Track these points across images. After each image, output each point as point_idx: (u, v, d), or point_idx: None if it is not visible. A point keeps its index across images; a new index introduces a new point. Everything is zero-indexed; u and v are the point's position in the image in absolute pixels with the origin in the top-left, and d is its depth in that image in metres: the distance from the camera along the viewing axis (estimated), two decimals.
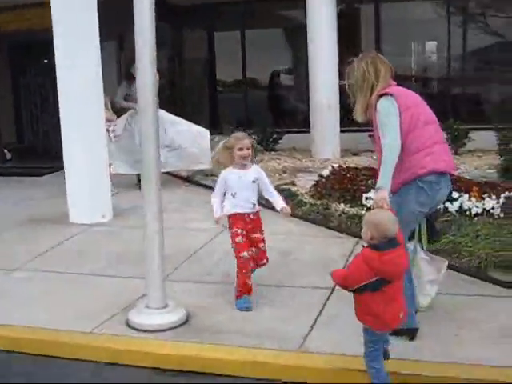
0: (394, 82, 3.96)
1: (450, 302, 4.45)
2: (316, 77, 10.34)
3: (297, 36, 12.49)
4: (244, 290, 4.47)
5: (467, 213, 5.79)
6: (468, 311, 4.31)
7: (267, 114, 12.87)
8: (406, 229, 3.74)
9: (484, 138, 9.65)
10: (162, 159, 7.80)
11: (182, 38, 13.62)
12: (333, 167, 7.89)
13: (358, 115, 3.98)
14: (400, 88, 3.95)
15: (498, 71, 12.36)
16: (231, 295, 4.63)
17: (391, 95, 3.81)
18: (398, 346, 3.69)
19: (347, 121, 10.82)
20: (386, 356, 3.44)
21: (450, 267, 5.02)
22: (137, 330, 4.20)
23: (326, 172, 7.48)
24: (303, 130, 11.28)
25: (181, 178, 9.60)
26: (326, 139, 10.39)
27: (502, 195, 5.78)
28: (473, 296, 4.57)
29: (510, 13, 11.80)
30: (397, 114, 3.75)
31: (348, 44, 10.89)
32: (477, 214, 5.77)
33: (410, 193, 3.79)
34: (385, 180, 3.66)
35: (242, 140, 4.47)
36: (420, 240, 4.17)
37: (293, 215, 6.86)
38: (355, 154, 10.69)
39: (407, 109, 3.78)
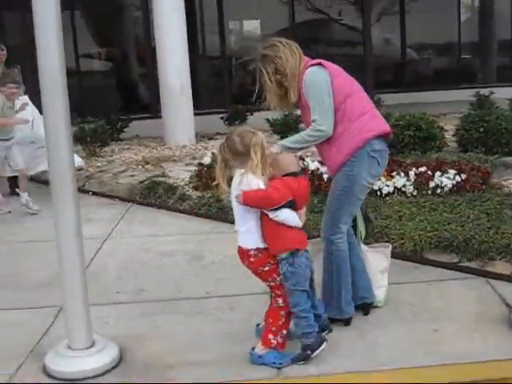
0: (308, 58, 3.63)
1: (407, 292, 4.10)
2: (165, 58, 9.52)
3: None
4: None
5: (378, 193, 5.47)
6: (432, 300, 3.98)
7: (110, 100, 11.75)
8: (354, 206, 3.63)
9: None
10: (28, 158, 6.61)
11: None
12: (214, 154, 7.22)
13: (293, 99, 3.58)
14: (320, 59, 3.62)
15: None
16: (156, 316, 3.93)
17: (319, 64, 3.51)
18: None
19: (198, 103, 10.44)
20: (327, 328, 3.42)
21: None
22: (58, 379, 3.26)
23: (207, 160, 6.79)
24: (151, 115, 10.47)
25: None
26: (179, 124, 9.66)
27: (411, 172, 5.56)
28: (426, 282, 4.25)
29: None
30: (329, 89, 3.45)
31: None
32: (388, 194, 5.49)
33: (361, 165, 3.51)
34: (287, 144, 3.48)
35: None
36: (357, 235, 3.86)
37: (181, 211, 6.22)
38: (211, 139, 10.12)
39: (339, 74, 3.55)
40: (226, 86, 12.66)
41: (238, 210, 3.24)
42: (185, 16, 9.61)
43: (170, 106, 9.62)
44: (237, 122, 10.49)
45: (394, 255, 4.62)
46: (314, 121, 3.44)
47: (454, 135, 7.28)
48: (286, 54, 3.53)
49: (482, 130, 6.89)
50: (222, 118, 10.72)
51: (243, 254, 3.28)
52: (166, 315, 3.94)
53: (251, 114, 10.27)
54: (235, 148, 3.18)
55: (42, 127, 5.66)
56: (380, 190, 5.47)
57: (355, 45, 13.74)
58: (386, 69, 14.04)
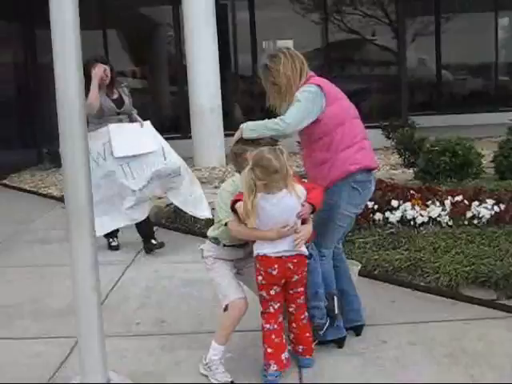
0: (313, 73, 3.66)
1: (443, 331, 3.86)
2: (196, 77, 9.45)
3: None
4: None
5: (411, 223, 5.24)
6: (469, 341, 3.71)
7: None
8: (337, 232, 3.66)
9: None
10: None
11: None
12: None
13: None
14: (323, 79, 3.63)
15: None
16: (176, 351, 3.76)
17: (317, 85, 3.50)
18: None
19: (229, 124, 10.32)
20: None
21: (418, 288, 4.49)
22: None
23: None
24: (181, 135, 10.39)
25: (52, 197, 8.31)
26: (209, 145, 9.55)
27: (446, 201, 5.32)
28: (463, 321, 3.99)
29: None
30: (316, 109, 3.46)
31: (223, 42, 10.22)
32: (422, 224, 5.25)
33: (342, 196, 3.54)
34: (252, 127, 3.42)
35: None
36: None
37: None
38: None
39: (335, 100, 3.54)
40: (257, 107, 12.54)
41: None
42: (217, 35, 9.53)
43: (199, 127, 9.53)
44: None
45: (428, 290, 4.45)
46: (285, 113, 3.42)
47: (491, 161, 7.00)
48: (286, 67, 3.53)
49: None
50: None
51: (303, 262, 3.33)
52: (187, 350, 3.77)
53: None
54: (273, 166, 3.10)
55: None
56: (414, 219, 5.24)
57: (389, 65, 13.52)
58: (420, 90, 13.81)
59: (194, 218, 6.41)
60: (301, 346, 3.48)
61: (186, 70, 9.79)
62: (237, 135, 3.45)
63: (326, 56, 12.09)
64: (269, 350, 3.33)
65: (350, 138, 3.54)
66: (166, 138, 10.51)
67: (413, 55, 13.09)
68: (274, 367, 3.32)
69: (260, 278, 3.30)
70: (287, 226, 3.21)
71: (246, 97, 12.62)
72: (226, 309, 3.41)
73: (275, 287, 3.31)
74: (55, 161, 9.62)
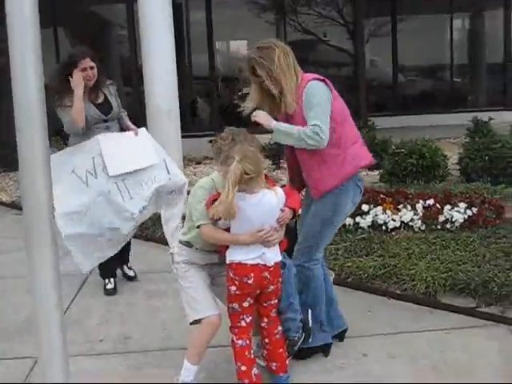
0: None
1: (423, 342, 3.71)
2: (152, 79, 9.11)
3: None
4: None
5: (383, 228, 5.09)
6: (451, 352, 3.56)
7: None
8: (332, 234, 3.56)
9: None
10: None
11: None
12: None
13: (289, 104, 3.30)
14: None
15: None
16: (143, 370, 3.50)
17: (323, 81, 3.32)
18: None
19: (186, 126, 10.04)
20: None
21: (393, 296, 4.34)
22: None
23: None
24: None
25: (1, 203, 7.88)
26: (166, 148, 9.14)
27: (418, 205, 5.18)
28: (443, 330, 3.84)
29: None
30: (329, 107, 3.28)
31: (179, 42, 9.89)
32: (394, 229, 5.10)
33: (348, 195, 3.39)
34: (283, 128, 3.31)
35: None
36: None
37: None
38: (199, 163, 9.73)
39: (337, 97, 3.37)
40: (214, 108, 12.31)
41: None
42: (173, 36, 9.23)
43: (156, 129, 9.17)
44: None
45: (405, 298, 4.30)
46: (315, 125, 3.18)
47: (457, 163, 6.93)
48: (281, 61, 3.30)
49: (487, 158, 6.56)
50: (210, 141, 10.28)
51: (279, 271, 3.16)
52: (155, 369, 3.50)
53: None
54: (260, 159, 3.00)
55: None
56: (386, 224, 5.09)
57: (346, 66, 13.50)
58: (376, 92, 13.77)
59: (155, 224, 6.13)
60: (274, 364, 3.23)
61: (141, 70, 9.45)
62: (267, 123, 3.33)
63: None
64: (242, 368, 3.09)
65: (354, 134, 3.43)
66: None
67: (368, 56, 13.04)
68: None
69: (233, 288, 3.05)
70: (263, 230, 2.99)
71: (202, 98, 12.38)
72: (193, 323, 3.17)
73: (248, 298, 3.08)
74: (5, 164, 9.16)
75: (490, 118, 10.21)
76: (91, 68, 4.37)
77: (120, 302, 4.49)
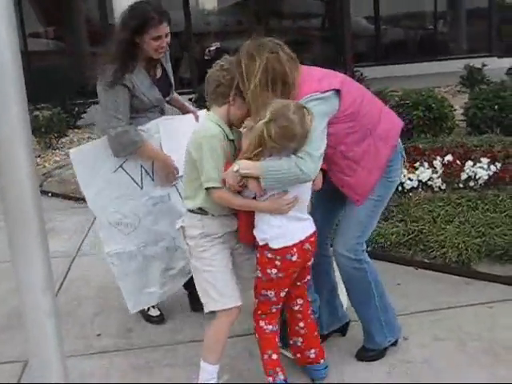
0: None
1: (467, 319, 3.28)
2: None
3: None
4: None
5: (399, 188, 4.60)
6: (501, 331, 3.14)
7: (63, 83, 10.53)
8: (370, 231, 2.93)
9: None
10: None
11: None
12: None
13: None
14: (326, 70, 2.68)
15: None
16: (153, 369, 3.01)
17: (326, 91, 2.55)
18: None
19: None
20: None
21: (422, 265, 3.90)
22: None
23: None
24: None
25: None
26: None
27: (435, 162, 4.70)
28: (486, 304, 3.42)
29: None
30: (334, 110, 2.59)
31: None
32: (411, 189, 4.62)
33: (397, 167, 2.83)
34: (275, 177, 2.44)
35: None
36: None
37: None
38: None
39: (347, 92, 2.61)
40: (191, 65, 11.61)
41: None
42: None
43: None
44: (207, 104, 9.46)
45: (435, 267, 3.86)
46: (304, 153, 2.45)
47: (463, 114, 6.45)
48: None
49: (496, 107, 6.08)
50: (190, 99, 9.67)
51: (316, 238, 2.67)
52: (167, 369, 3.01)
53: None
54: (293, 131, 2.39)
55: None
56: (402, 184, 4.60)
57: (330, 16, 12.86)
58: (359, 41, 13.18)
59: None
60: (313, 350, 2.80)
61: (111, 28, 8.72)
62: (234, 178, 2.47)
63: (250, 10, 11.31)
64: (273, 357, 2.68)
65: (376, 110, 2.78)
66: (95, 103, 9.65)
67: (352, 5, 12.39)
68: (281, 376, 2.68)
69: (274, 270, 2.56)
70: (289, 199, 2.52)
71: (179, 54, 11.66)
72: (210, 313, 2.68)
73: (286, 289, 2.65)
74: None
75: (484, 65, 9.76)
76: (166, 36, 3.07)
77: (115, 288, 3.95)
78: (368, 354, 2.97)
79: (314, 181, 2.58)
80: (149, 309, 3.45)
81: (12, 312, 3.57)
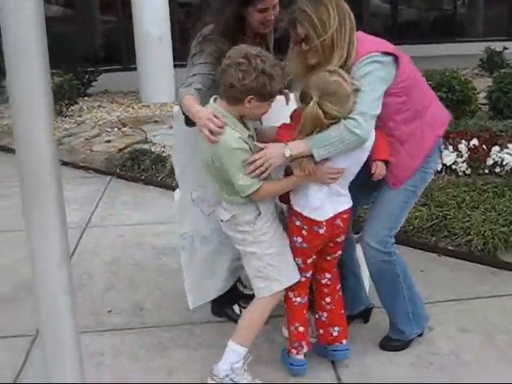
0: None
1: (495, 311, 3.16)
2: (142, 2, 8.22)
3: None
4: None
5: None
6: None
7: (74, 49, 10.31)
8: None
9: None
10: None
11: None
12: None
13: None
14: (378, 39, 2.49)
15: None
16: (166, 351, 2.88)
17: (388, 54, 2.38)
18: None
19: (177, 54, 9.18)
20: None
21: (446, 253, 3.76)
22: None
23: None
24: (123, 67, 9.22)
25: None
26: (158, 78, 8.40)
27: (461, 145, 4.54)
28: None
29: None
30: (391, 78, 2.43)
31: None
32: (435, 173, 4.44)
33: (434, 159, 2.69)
34: (324, 144, 2.30)
35: None
36: None
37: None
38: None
39: (405, 65, 2.47)
40: None
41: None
42: None
43: (146, 57, 8.36)
44: None
45: (459, 255, 3.72)
46: (357, 112, 2.31)
47: (486, 97, 6.26)
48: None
49: None
50: None
51: (349, 217, 2.59)
52: (182, 350, 2.89)
53: None
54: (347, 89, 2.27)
55: None
56: None
57: None
58: (379, 21, 12.90)
59: (155, 165, 5.44)
60: (336, 328, 2.70)
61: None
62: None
63: None
64: (300, 329, 2.63)
65: (428, 94, 2.68)
66: (106, 71, 9.47)
67: None
68: (305, 349, 2.62)
69: (299, 239, 2.48)
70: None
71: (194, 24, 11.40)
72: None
73: (314, 256, 2.57)
74: None
75: (505, 48, 9.53)
76: (274, 8, 2.63)
77: (126, 263, 3.83)
78: (393, 343, 2.84)
79: (375, 171, 2.47)
80: (230, 312, 3.13)
81: (20, 284, 3.45)
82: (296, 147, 2.31)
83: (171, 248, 3.94)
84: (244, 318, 2.60)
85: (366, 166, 2.53)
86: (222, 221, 2.53)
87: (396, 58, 2.40)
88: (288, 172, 2.45)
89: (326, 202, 2.44)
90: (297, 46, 2.43)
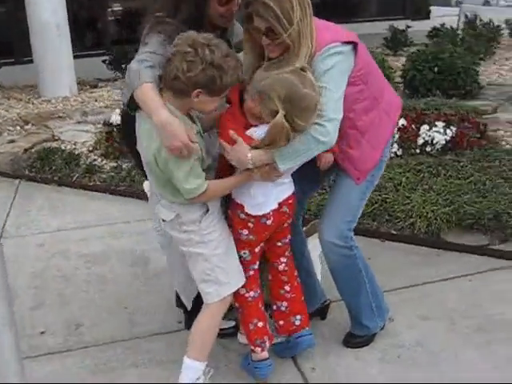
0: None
1: (449, 294, 3.10)
2: None
3: None
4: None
5: None
6: (488, 306, 2.97)
7: None
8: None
9: None
10: None
11: None
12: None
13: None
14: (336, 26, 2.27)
15: None
16: (118, 371, 2.59)
17: (348, 43, 2.20)
18: None
19: (76, 45, 8.66)
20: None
21: (389, 237, 3.68)
22: None
23: (115, 118, 5.28)
24: (18, 60, 8.59)
25: None
26: (57, 70, 7.88)
27: None
28: (464, 277, 3.24)
29: None
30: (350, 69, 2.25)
31: None
32: None
33: (385, 160, 2.55)
34: (289, 156, 2.16)
35: None
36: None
37: (93, 188, 4.76)
38: (95, 87, 8.45)
39: (362, 53, 2.31)
40: (107, 24, 10.79)
41: None
42: None
43: (43, 49, 7.80)
44: (123, 66, 8.83)
45: (404, 239, 3.64)
46: (326, 118, 2.14)
47: (401, 76, 6.27)
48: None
49: (436, 69, 5.94)
50: (104, 61, 8.99)
51: (295, 199, 2.42)
52: (132, 370, 2.61)
53: None
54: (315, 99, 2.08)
55: None
56: None
57: None
58: None
59: (68, 164, 5.05)
60: (298, 316, 2.55)
61: None
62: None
63: None
64: (259, 325, 2.45)
65: (382, 78, 2.52)
66: (1, 64, 8.80)
67: None
68: (267, 344, 2.46)
69: (245, 231, 2.32)
70: None
71: (93, 13, 10.81)
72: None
73: (262, 243, 2.41)
74: None
75: (408, 26, 9.71)
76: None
77: (52, 275, 3.47)
78: (357, 340, 2.70)
79: (320, 164, 2.32)
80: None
81: None
82: (258, 159, 2.14)
83: (100, 254, 3.63)
84: (195, 330, 2.36)
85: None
86: (164, 221, 2.28)
87: (355, 45, 2.22)
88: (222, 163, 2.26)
89: (269, 196, 2.29)
90: (252, 38, 2.19)
